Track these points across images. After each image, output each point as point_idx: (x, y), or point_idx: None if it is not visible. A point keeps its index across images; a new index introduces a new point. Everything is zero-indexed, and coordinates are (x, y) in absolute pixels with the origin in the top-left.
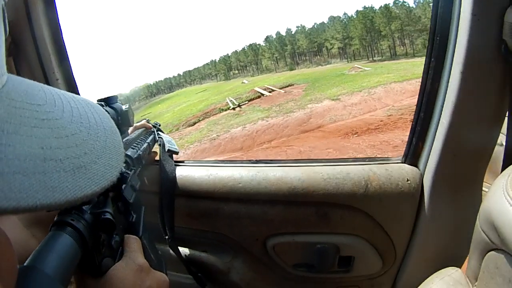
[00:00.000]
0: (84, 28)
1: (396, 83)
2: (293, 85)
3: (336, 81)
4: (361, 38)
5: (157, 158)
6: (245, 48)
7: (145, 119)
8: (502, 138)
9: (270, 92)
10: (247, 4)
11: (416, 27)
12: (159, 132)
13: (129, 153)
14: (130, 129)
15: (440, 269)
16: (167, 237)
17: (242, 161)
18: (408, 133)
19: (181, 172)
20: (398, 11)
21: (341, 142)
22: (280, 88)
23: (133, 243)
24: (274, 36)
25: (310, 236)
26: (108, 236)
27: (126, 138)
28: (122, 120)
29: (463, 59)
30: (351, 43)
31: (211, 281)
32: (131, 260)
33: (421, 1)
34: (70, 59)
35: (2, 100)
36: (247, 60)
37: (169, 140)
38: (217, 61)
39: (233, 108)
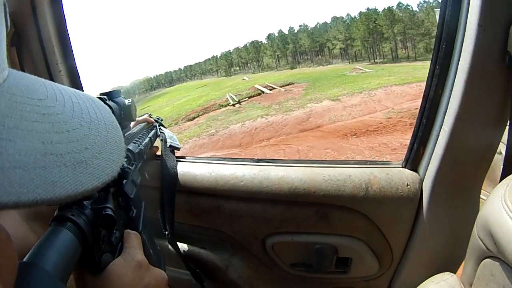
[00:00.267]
0: (85, 20)
1: (397, 86)
2: (293, 83)
3: (337, 82)
4: (363, 40)
5: (158, 153)
6: (247, 45)
7: (146, 113)
8: (501, 147)
9: (270, 90)
10: (251, 1)
11: (419, 31)
12: (161, 127)
13: (130, 147)
14: (132, 123)
15: (436, 274)
16: (166, 232)
17: (244, 159)
18: (407, 136)
19: (182, 168)
20: (401, 14)
21: (340, 143)
22: (281, 86)
23: (133, 238)
24: (277, 34)
25: (309, 236)
26: (108, 232)
27: (128, 133)
28: (124, 114)
29: (468, 67)
30: (353, 44)
31: (209, 278)
32: (130, 257)
33: (425, 5)
34: (74, 51)
35: (3, 94)
36: (248, 57)
37: (171, 135)
38: (218, 57)
39: (233, 105)
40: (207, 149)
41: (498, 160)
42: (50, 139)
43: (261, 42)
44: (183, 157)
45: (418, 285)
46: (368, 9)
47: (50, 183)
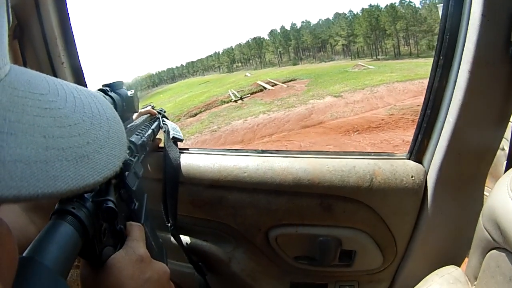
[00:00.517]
0: (87, 15)
1: (399, 82)
2: (295, 80)
3: (339, 78)
4: (365, 36)
5: (161, 145)
6: (249, 41)
7: (149, 104)
8: (503, 143)
9: (272, 86)
10: None
11: (421, 28)
12: (164, 119)
13: (133, 139)
14: (135, 115)
15: (440, 267)
16: (169, 225)
17: (247, 150)
18: (409, 133)
19: (185, 160)
20: (404, 11)
21: (342, 139)
22: (283, 83)
23: (136, 231)
24: (279, 30)
25: (313, 228)
26: (110, 225)
27: (130, 124)
28: (127, 106)
29: (472, 58)
30: (355, 41)
31: (212, 271)
32: (132, 250)
33: (427, 2)
34: (76, 44)
35: (4, 89)
36: (250, 53)
37: (174, 127)
38: (220, 53)
39: (235, 101)
40: (209, 145)
41: (501, 156)
42: (51, 134)
43: (263, 38)
44: (186, 149)
45: (422, 278)
46: (370, 5)
47: (52, 177)
